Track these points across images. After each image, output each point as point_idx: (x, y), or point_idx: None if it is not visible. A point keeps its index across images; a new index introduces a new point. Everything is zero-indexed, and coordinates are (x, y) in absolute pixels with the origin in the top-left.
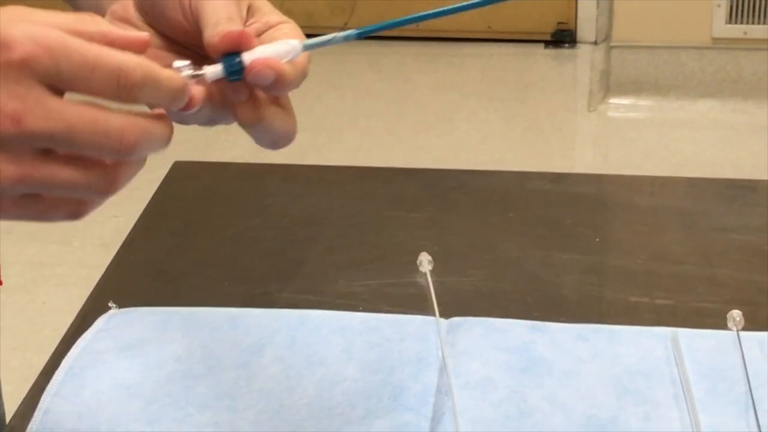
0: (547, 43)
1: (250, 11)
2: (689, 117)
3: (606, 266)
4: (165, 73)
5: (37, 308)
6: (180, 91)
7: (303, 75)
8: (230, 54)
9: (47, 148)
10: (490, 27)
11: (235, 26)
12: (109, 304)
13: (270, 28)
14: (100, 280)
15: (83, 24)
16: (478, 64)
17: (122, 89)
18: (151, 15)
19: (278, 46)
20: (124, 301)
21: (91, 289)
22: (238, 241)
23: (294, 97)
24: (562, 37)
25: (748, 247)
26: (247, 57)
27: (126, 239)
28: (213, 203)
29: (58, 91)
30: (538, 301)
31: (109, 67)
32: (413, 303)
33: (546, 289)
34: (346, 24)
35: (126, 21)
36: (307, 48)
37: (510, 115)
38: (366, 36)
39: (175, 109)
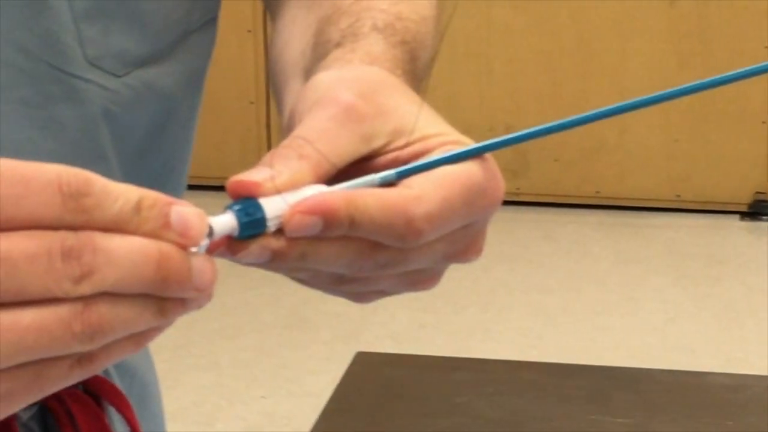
0: (743, 215)
1: (399, 134)
2: None
3: None
4: (120, 184)
5: None
6: (152, 198)
7: (398, 216)
8: (243, 200)
9: None
10: (678, 196)
11: (257, 173)
12: None
13: (428, 151)
14: None
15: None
16: (664, 237)
17: (69, 199)
18: None
19: (303, 192)
20: None
21: None
22: None
23: (459, 268)
24: (761, 209)
25: None
26: (269, 204)
27: None
28: (399, 400)
29: None
30: None
31: (45, 176)
32: None
33: None
34: (518, 189)
35: None
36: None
37: (700, 295)
38: (408, 174)
39: (195, 244)
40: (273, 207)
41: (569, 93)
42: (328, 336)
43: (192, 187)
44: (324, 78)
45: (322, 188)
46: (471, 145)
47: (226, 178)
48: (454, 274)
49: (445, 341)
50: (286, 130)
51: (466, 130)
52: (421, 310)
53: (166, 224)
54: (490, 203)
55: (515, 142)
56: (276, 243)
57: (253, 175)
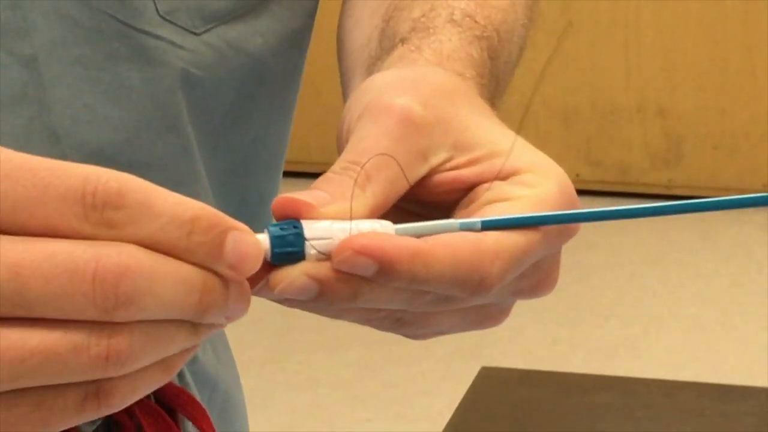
0: None
1: (462, 148)
2: None
3: None
4: (173, 194)
5: None
6: (207, 222)
7: (471, 274)
8: (287, 222)
9: None
10: None
11: (306, 194)
12: None
13: (495, 175)
14: None
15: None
16: None
17: (91, 211)
18: None
19: (362, 224)
20: None
21: None
22: None
23: (600, 275)
24: None
25: None
26: (312, 225)
27: None
28: (531, 425)
29: None
30: None
31: (68, 181)
32: None
33: None
34: (669, 181)
35: None
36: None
37: None
38: (494, 228)
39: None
40: (317, 228)
41: (734, 68)
42: (445, 351)
43: (287, 174)
44: (378, 79)
45: (388, 226)
46: (552, 167)
47: (328, 164)
48: (594, 282)
49: (583, 359)
50: (340, 138)
51: (610, 112)
52: (554, 322)
53: (219, 253)
54: (568, 237)
55: (619, 216)
56: (323, 271)
57: (305, 196)
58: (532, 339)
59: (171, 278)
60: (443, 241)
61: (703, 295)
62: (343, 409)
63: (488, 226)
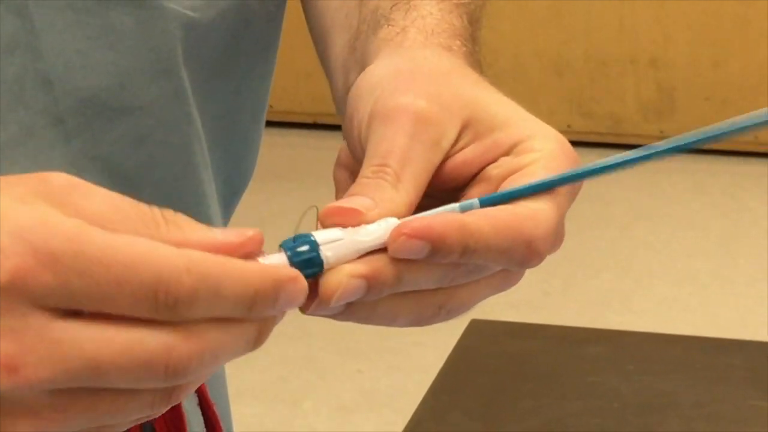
0: None
1: (468, 126)
2: None
3: None
4: (237, 270)
5: None
6: (266, 292)
7: (516, 240)
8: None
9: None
10: None
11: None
12: None
13: (501, 151)
14: None
15: (144, 225)
16: None
17: (164, 309)
18: (357, 160)
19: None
20: None
21: None
22: (553, 430)
23: (592, 227)
24: None
25: None
26: (323, 237)
27: (409, 423)
28: (520, 377)
29: (68, 311)
30: None
31: (141, 278)
32: None
33: None
34: (662, 132)
35: (349, 169)
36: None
37: None
38: (492, 204)
39: (280, 315)
40: (327, 235)
41: (727, 20)
42: (473, 314)
43: (279, 124)
44: (376, 76)
45: (393, 222)
46: (547, 129)
47: (318, 115)
48: (586, 233)
49: (575, 311)
50: (350, 134)
51: (602, 63)
52: (546, 274)
53: (273, 309)
54: (574, 197)
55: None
56: (362, 267)
57: (352, 203)
58: (523, 291)
59: (234, 344)
60: (482, 212)
61: (696, 247)
62: (335, 360)
63: (486, 203)
